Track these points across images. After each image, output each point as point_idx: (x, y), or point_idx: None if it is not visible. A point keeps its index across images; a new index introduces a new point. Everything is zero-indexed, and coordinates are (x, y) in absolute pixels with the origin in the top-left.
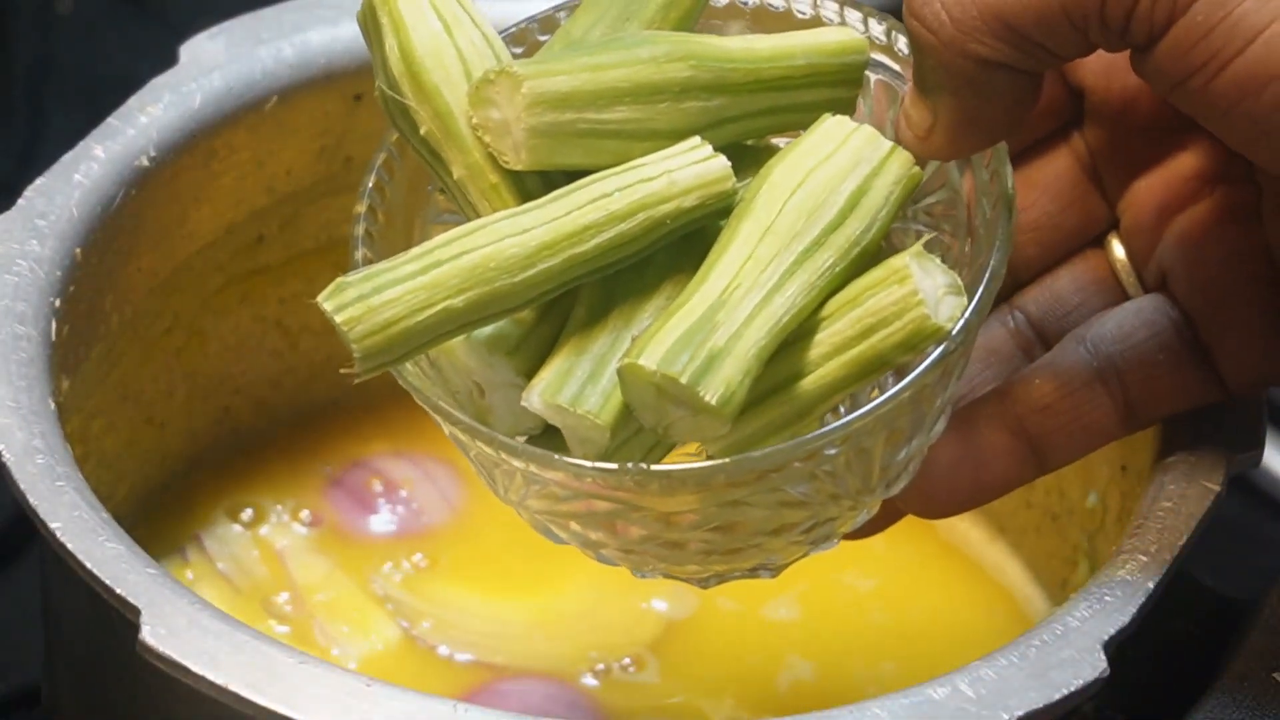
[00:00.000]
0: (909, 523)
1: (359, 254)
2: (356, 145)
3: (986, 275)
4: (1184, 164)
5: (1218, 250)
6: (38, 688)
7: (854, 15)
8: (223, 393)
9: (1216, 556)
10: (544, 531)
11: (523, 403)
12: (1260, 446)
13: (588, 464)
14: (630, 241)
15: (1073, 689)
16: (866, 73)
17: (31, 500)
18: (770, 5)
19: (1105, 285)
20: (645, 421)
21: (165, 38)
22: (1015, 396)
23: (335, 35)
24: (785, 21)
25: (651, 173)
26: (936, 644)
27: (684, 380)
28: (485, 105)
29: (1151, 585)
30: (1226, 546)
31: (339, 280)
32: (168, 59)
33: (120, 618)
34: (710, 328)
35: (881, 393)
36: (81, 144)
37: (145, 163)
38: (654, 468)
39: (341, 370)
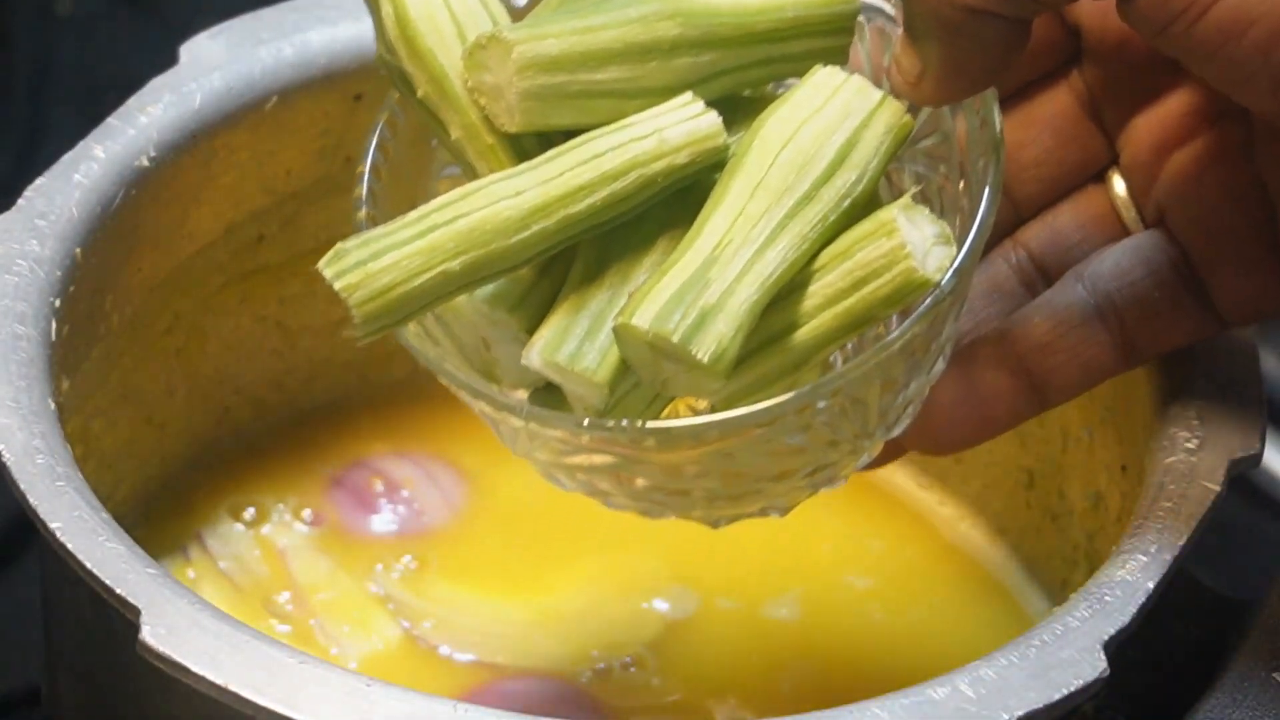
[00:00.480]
0: (909, 523)
1: (362, 213)
2: (356, 145)
3: (975, 225)
4: (1180, 101)
5: (1212, 185)
6: (38, 688)
7: None
8: (223, 393)
9: (1216, 556)
10: (552, 479)
11: (523, 361)
12: (1260, 446)
13: (584, 422)
14: (623, 200)
15: (1073, 689)
16: (861, 18)
17: (31, 500)
18: None
19: (1106, 222)
20: (643, 377)
21: (165, 38)
22: (1014, 335)
23: (335, 35)
24: None
25: (643, 131)
26: (936, 644)
27: (676, 339)
28: (479, 69)
29: (1151, 585)
30: (1226, 546)
31: (338, 246)
32: (168, 59)
33: (120, 618)
34: (702, 285)
35: (884, 336)
36: (81, 144)
37: (145, 163)
38: (648, 425)
39: (344, 333)
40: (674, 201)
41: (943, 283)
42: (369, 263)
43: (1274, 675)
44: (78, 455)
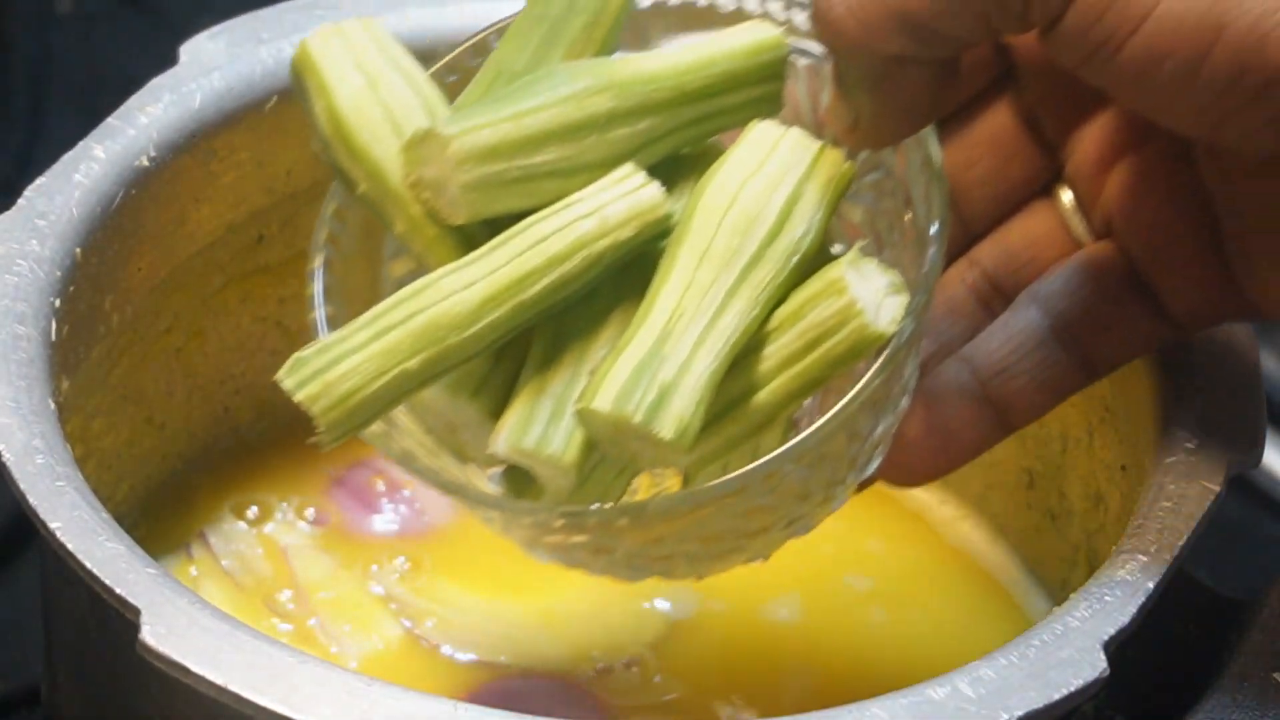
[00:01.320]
0: (909, 523)
1: (317, 313)
2: None
3: (925, 266)
4: (1119, 113)
5: (1156, 194)
6: (38, 688)
7: (776, 6)
8: (223, 393)
9: (1216, 556)
10: (532, 554)
11: (489, 450)
12: (1260, 446)
13: (555, 510)
14: (573, 280)
15: (1073, 689)
16: (795, 57)
17: (31, 500)
18: (693, 2)
19: (1056, 236)
20: (610, 454)
21: (165, 38)
22: (974, 362)
23: None
24: (710, 17)
25: (585, 209)
26: (936, 644)
27: (638, 420)
28: (418, 164)
29: (1151, 585)
30: (1226, 546)
31: (296, 356)
32: (168, 59)
33: (120, 618)
34: (659, 361)
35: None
36: (81, 144)
37: (145, 163)
38: (619, 506)
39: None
40: (624, 273)
41: (898, 332)
42: (327, 371)
43: (1274, 675)
44: (78, 455)
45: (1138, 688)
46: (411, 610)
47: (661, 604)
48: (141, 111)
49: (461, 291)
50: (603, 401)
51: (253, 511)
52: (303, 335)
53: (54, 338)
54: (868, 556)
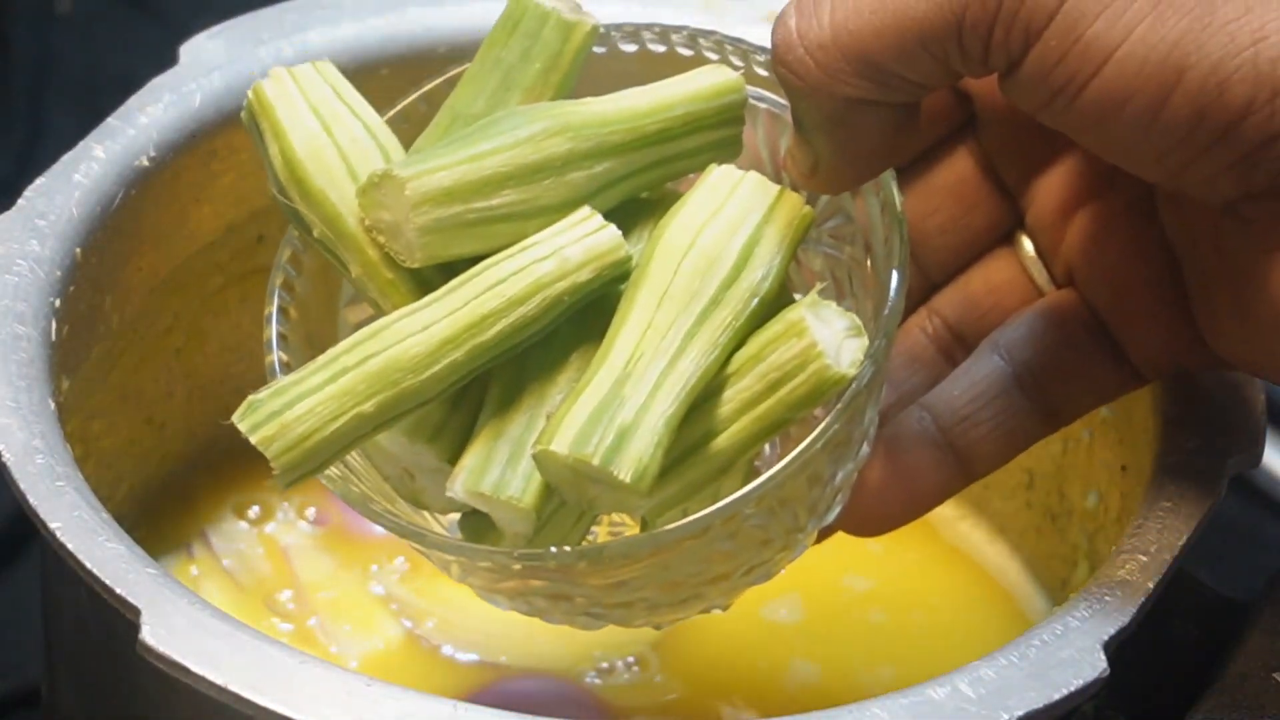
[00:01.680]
0: (909, 524)
1: (273, 358)
2: None
3: (886, 311)
4: (1079, 161)
5: (1117, 243)
6: (38, 688)
7: (733, 51)
8: (223, 393)
9: (1216, 556)
10: (491, 601)
11: (447, 492)
12: (1260, 446)
13: (514, 553)
14: (531, 323)
15: (1073, 689)
16: (754, 102)
17: (31, 500)
18: (651, 50)
19: (1017, 284)
20: (568, 498)
21: (165, 38)
22: (936, 410)
23: (335, 35)
24: (670, 62)
25: (544, 252)
26: (936, 644)
27: (596, 462)
28: (375, 208)
29: (1151, 585)
30: (1226, 546)
31: (250, 399)
32: (168, 59)
33: (120, 618)
34: (618, 403)
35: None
36: (81, 144)
37: (145, 163)
38: (578, 549)
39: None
40: (582, 316)
41: (858, 376)
42: (283, 413)
43: (1274, 675)
44: (78, 455)
45: (1138, 688)
46: (412, 610)
47: None
48: (141, 111)
49: (419, 333)
50: (560, 443)
51: (254, 511)
52: None
53: (54, 338)
54: (868, 556)
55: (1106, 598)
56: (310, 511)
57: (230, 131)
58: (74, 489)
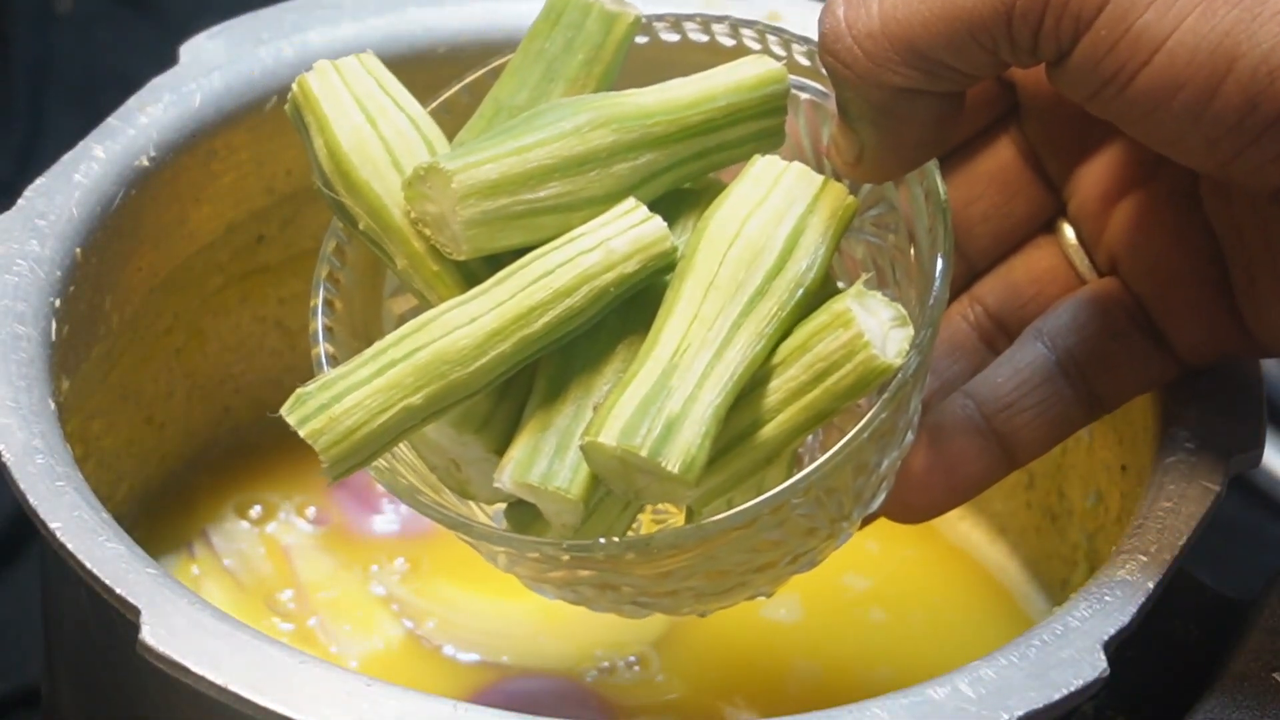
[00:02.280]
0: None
1: (319, 350)
2: None
3: (931, 299)
4: (1122, 149)
5: (1160, 231)
6: (38, 688)
7: (775, 40)
8: (223, 393)
9: (1216, 556)
10: (538, 591)
11: (495, 484)
12: (1260, 446)
13: (562, 544)
14: (578, 314)
15: (1073, 689)
16: (795, 91)
17: (31, 500)
18: (693, 40)
19: (1060, 272)
20: (615, 489)
21: (165, 38)
22: (980, 397)
23: (335, 35)
24: (711, 52)
25: (589, 244)
26: (936, 644)
27: (645, 453)
28: (421, 200)
29: (1151, 585)
30: (1226, 546)
31: (299, 392)
32: (168, 59)
33: (120, 618)
34: (665, 394)
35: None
36: (81, 144)
37: (145, 163)
38: (626, 540)
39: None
40: (628, 307)
41: (904, 366)
42: (331, 406)
43: (1274, 675)
44: (78, 455)
45: (1138, 688)
46: (413, 611)
47: None
48: (141, 111)
49: (466, 326)
50: (609, 435)
51: (256, 511)
52: (303, 335)
53: (54, 338)
54: (868, 556)
55: (1106, 598)
56: (310, 511)
57: (230, 131)
58: (74, 489)
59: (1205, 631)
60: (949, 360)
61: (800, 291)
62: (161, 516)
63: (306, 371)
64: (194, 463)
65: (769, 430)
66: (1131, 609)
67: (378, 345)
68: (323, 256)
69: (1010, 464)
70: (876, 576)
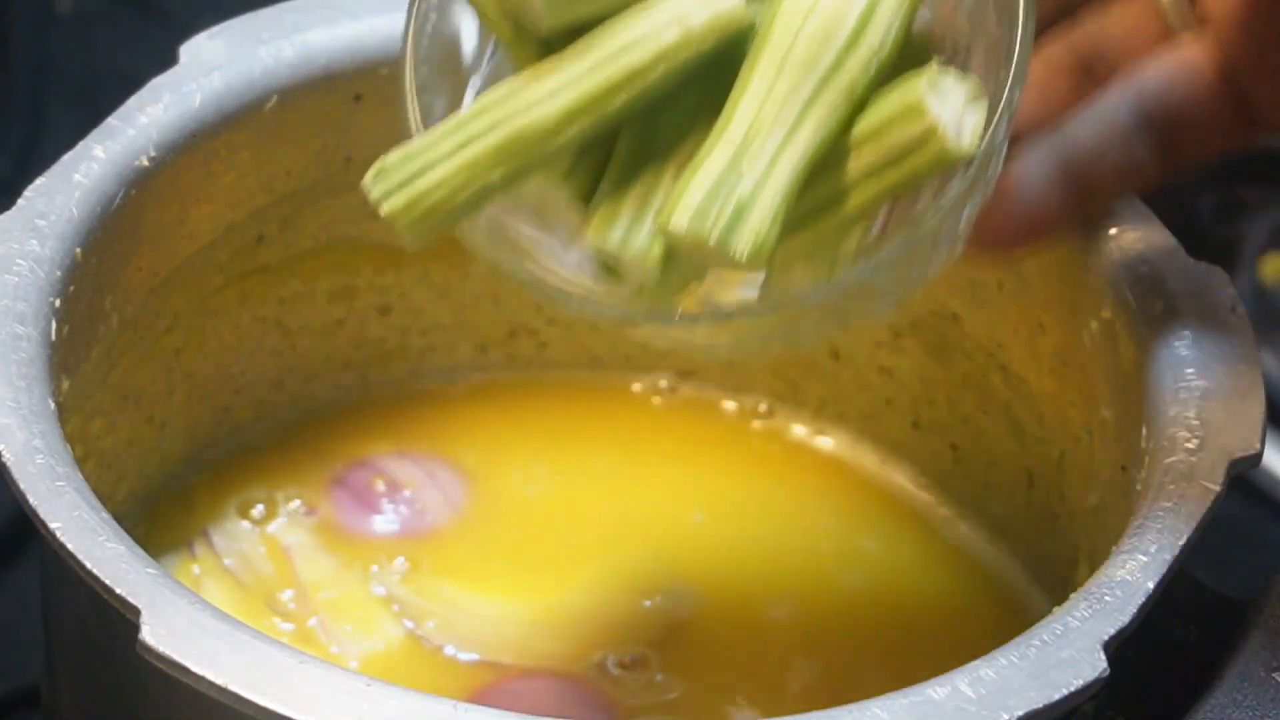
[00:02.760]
0: (908, 524)
1: (411, 108)
2: (356, 145)
3: (1004, 100)
4: None
5: None
6: (38, 688)
7: None
8: (223, 393)
9: (1216, 556)
10: (628, 332)
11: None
12: (1260, 446)
13: (639, 314)
14: (655, 90)
15: (1073, 689)
16: None
17: (31, 500)
18: None
19: (1153, 26)
20: (691, 259)
21: (165, 38)
22: (1063, 141)
23: (335, 35)
24: None
25: (668, 18)
26: (936, 644)
27: (713, 241)
28: None
29: (1151, 585)
30: (1226, 546)
31: (381, 162)
32: (168, 59)
33: (120, 618)
34: (736, 177)
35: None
36: (81, 144)
37: (145, 163)
38: (702, 312)
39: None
40: (710, 74)
41: (981, 146)
42: (412, 183)
43: (1274, 675)
44: (78, 455)
45: (1138, 688)
46: (413, 611)
47: (663, 602)
48: (141, 111)
49: (544, 103)
50: (679, 222)
51: (258, 510)
52: (303, 335)
53: (54, 338)
54: (866, 557)
55: (1106, 598)
56: (312, 511)
57: (230, 131)
58: (74, 489)
59: (1205, 631)
60: (1036, 101)
61: (874, 67)
62: (162, 516)
63: (307, 372)
64: (194, 463)
65: (839, 207)
66: (1131, 609)
67: (458, 118)
68: (405, 33)
69: (1084, 211)
70: (876, 576)
